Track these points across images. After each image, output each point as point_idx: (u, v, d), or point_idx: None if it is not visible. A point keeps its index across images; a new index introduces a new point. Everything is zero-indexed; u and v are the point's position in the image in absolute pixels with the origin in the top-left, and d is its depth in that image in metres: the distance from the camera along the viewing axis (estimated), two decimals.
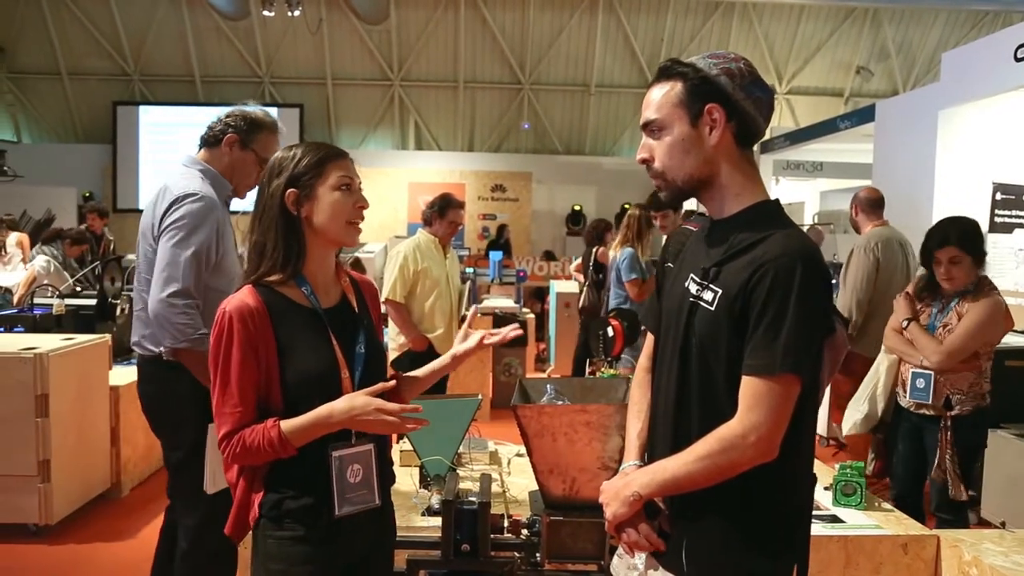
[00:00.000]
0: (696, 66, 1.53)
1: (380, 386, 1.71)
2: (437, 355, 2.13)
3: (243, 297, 1.69)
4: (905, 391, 3.39)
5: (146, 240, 2.67)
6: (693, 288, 1.55)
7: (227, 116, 2.81)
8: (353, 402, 1.68)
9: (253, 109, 2.86)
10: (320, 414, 1.67)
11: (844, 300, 4.55)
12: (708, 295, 1.51)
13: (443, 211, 4.60)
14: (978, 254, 3.27)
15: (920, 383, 3.29)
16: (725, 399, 1.49)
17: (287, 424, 1.66)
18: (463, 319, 2.08)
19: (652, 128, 1.57)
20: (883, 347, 3.63)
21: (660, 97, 1.55)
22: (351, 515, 1.74)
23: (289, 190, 1.73)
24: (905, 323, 3.40)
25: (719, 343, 1.48)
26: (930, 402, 3.27)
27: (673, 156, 1.55)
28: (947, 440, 3.21)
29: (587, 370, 5.05)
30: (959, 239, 3.27)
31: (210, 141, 2.79)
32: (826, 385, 1.60)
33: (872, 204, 4.77)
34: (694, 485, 1.48)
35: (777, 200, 1.59)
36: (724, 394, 1.49)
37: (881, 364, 3.66)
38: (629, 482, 1.55)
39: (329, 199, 1.74)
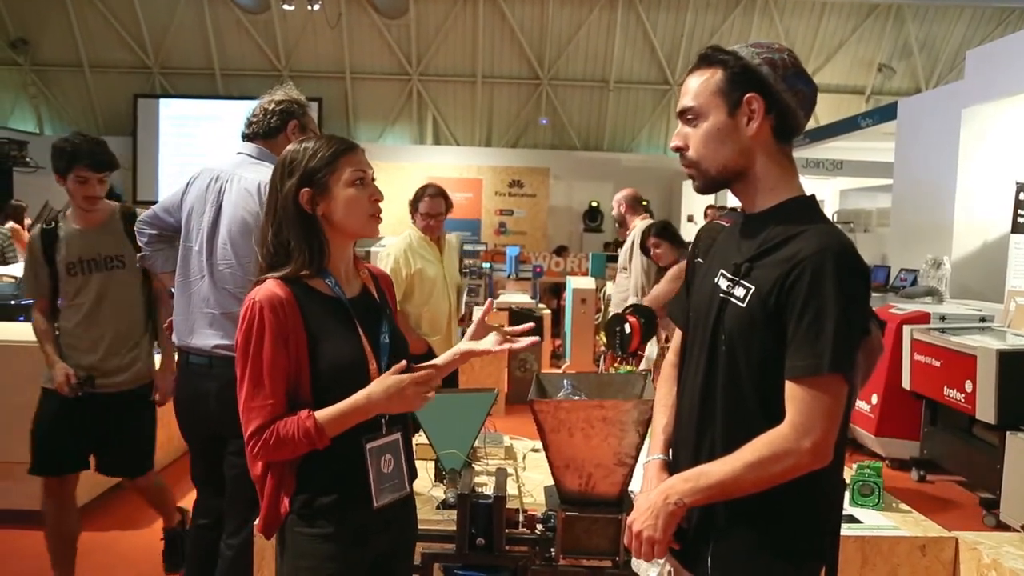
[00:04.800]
0: (738, 54, 1.50)
1: (399, 365, 1.70)
2: (435, 356, 2.08)
3: (272, 287, 1.68)
4: None
5: (236, 239, 2.60)
6: (723, 284, 1.52)
7: (277, 104, 2.78)
8: (386, 383, 1.67)
9: (290, 92, 2.85)
10: (357, 400, 1.65)
11: (634, 281, 5.59)
12: (739, 291, 1.48)
13: (415, 204, 4.24)
14: (672, 240, 4.94)
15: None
16: (751, 397, 1.46)
17: (321, 414, 1.64)
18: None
19: (688, 116, 1.53)
20: None
21: (698, 84, 1.52)
22: (385, 506, 1.74)
23: (303, 190, 1.71)
24: None
25: (749, 340, 1.45)
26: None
27: (708, 145, 1.51)
28: None
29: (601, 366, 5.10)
30: (657, 233, 4.97)
31: (267, 132, 2.77)
32: (860, 389, 1.55)
33: (636, 201, 5.90)
34: (741, 492, 1.44)
35: (812, 196, 1.55)
36: (750, 392, 1.46)
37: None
38: (665, 492, 1.50)
39: (344, 195, 1.73)
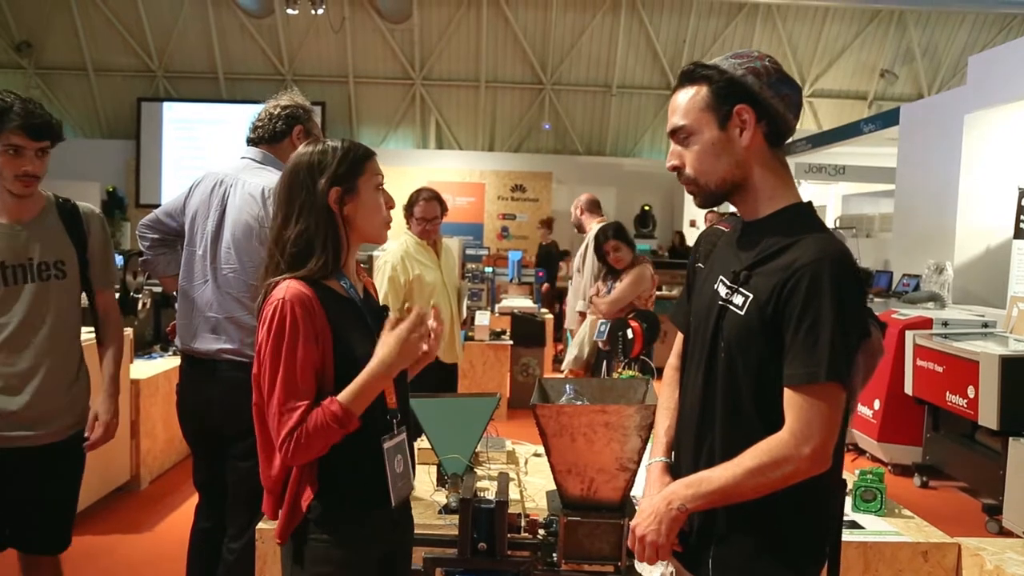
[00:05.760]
0: (720, 68, 1.51)
1: (390, 321, 1.72)
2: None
3: (296, 287, 1.67)
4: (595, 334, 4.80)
5: (240, 243, 2.61)
6: (723, 291, 1.53)
7: (283, 109, 2.79)
8: (389, 341, 1.67)
9: (296, 97, 2.86)
10: (373, 368, 1.65)
11: (584, 283, 5.48)
12: (738, 299, 1.49)
13: (410, 208, 4.15)
14: (629, 243, 4.88)
15: (601, 328, 4.74)
16: (749, 404, 1.47)
17: (342, 396, 1.63)
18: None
19: (681, 135, 1.54)
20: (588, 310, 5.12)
21: (686, 102, 1.52)
22: (397, 505, 1.76)
23: (333, 188, 1.73)
24: (595, 292, 4.92)
25: (748, 348, 1.47)
26: (605, 339, 4.65)
27: (704, 161, 1.52)
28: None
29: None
30: (615, 235, 4.83)
31: (272, 137, 2.78)
32: (860, 392, 1.56)
33: (593, 204, 5.80)
34: (742, 497, 1.46)
35: (810, 202, 1.56)
36: (748, 399, 1.47)
37: (588, 321, 5.08)
38: (668, 498, 1.51)
39: (369, 199, 1.77)
